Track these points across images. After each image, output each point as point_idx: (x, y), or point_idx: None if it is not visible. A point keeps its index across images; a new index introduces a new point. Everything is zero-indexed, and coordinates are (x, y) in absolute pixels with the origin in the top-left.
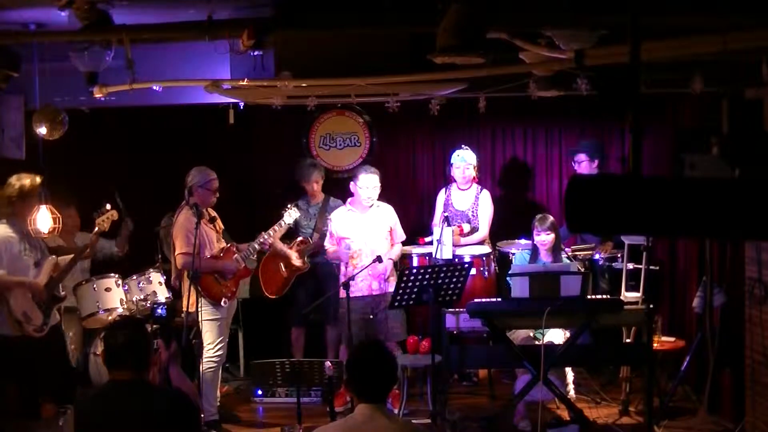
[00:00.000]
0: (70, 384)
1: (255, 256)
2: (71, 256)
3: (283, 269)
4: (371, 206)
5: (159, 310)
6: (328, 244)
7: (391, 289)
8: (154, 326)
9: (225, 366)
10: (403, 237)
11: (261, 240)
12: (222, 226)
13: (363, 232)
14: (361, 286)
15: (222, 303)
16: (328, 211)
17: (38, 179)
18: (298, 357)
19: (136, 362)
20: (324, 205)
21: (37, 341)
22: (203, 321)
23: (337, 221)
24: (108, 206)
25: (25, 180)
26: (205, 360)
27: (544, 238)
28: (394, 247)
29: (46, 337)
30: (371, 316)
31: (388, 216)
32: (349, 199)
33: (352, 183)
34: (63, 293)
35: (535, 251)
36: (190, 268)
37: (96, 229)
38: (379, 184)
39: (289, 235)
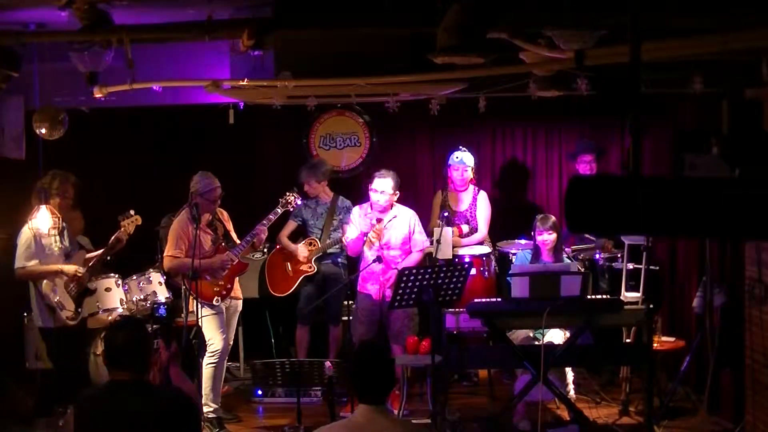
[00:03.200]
0: (77, 382)
1: (264, 247)
2: (100, 252)
3: (290, 269)
4: (389, 211)
5: (160, 310)
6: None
7: None
8: (155, 326)
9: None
10: (425, 245)
11: (253, 232)
12: (225, 230)
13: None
14: (370, 290)
15: (214, 302)
16: (337, 211)
17: (72, 178)
18: (301, 356)
19: (136, 363)
20: (333, 205)
21: (71, 332)
22: (201, 318)
23: (354, 219)
24: (132, 211)
25: (57, 178)
26: (205, 356)
27: (546, 238)
28: (410, 255)
29: (77, 328)
30: (379, 317)
31: (405, 223)
32: (369, 202)
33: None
34: (93, 286)
35: (536, 251)
36: (177, 270)
37: (122, 229)
38: (392, 189)
39: (298, 235)
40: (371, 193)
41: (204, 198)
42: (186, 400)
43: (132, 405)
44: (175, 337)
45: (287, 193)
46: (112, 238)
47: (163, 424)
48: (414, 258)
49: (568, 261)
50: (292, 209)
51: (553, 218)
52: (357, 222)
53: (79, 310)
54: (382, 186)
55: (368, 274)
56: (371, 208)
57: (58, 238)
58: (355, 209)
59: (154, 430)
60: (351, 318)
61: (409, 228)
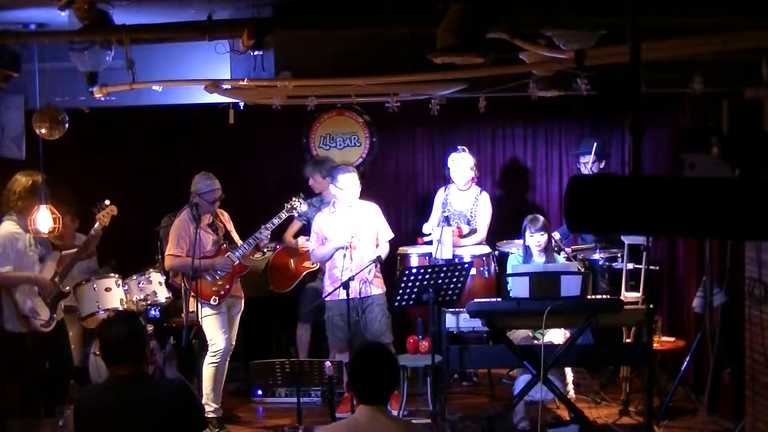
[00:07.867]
0: (68, 382)
1: (266, 248)
2: (74, 250)
3: (292, 266)
4: (355, 206)
5: (150, 312)
6: (314, 244)
7: (376, 291)
8: (149, 327)
9: None
10: (390, 235)
11: (256, 235)
12: (225, 231)
13: (349, 233)
14: (343, 292)
15: (212, 301)
16: None
17: (39, 177)
18: (302, 355)
19: (132, 355)
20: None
21: (44, 337)
22: (202, 318)
23: (322, 224)
24: (107, 201)
25: (27, 177)
26: (207, 355)
27: (537, 239)
28: (379, 246)
29: (53, 332)
30: (357, 318)
31: (374, 215)
32: (332, 201)
33: (331, 186)
34: (67, 288)
35: (527, 252)
36: (178, 270)
37: (97, 224)
38: (359, 182)
39: (299, 233)
40: (342, 192)
41: (203, 198)
42: (187, 390)
43: (134, 398)
44: (173, 337)
45: (293, 198)
46: (86, 238)
47: (165, 415)
48: (382, 250)
49: (563, 260)
50: (296, 214)
51: (543, 219)
52: (324, 228)
53: (54, 315)
54: (353, 180)
55: (335, 279)
56: (334, 207)
57: (33, 242)
58: (319, 217)
59: (156, 423)
60: (325, 329)
61: (377, 219)
